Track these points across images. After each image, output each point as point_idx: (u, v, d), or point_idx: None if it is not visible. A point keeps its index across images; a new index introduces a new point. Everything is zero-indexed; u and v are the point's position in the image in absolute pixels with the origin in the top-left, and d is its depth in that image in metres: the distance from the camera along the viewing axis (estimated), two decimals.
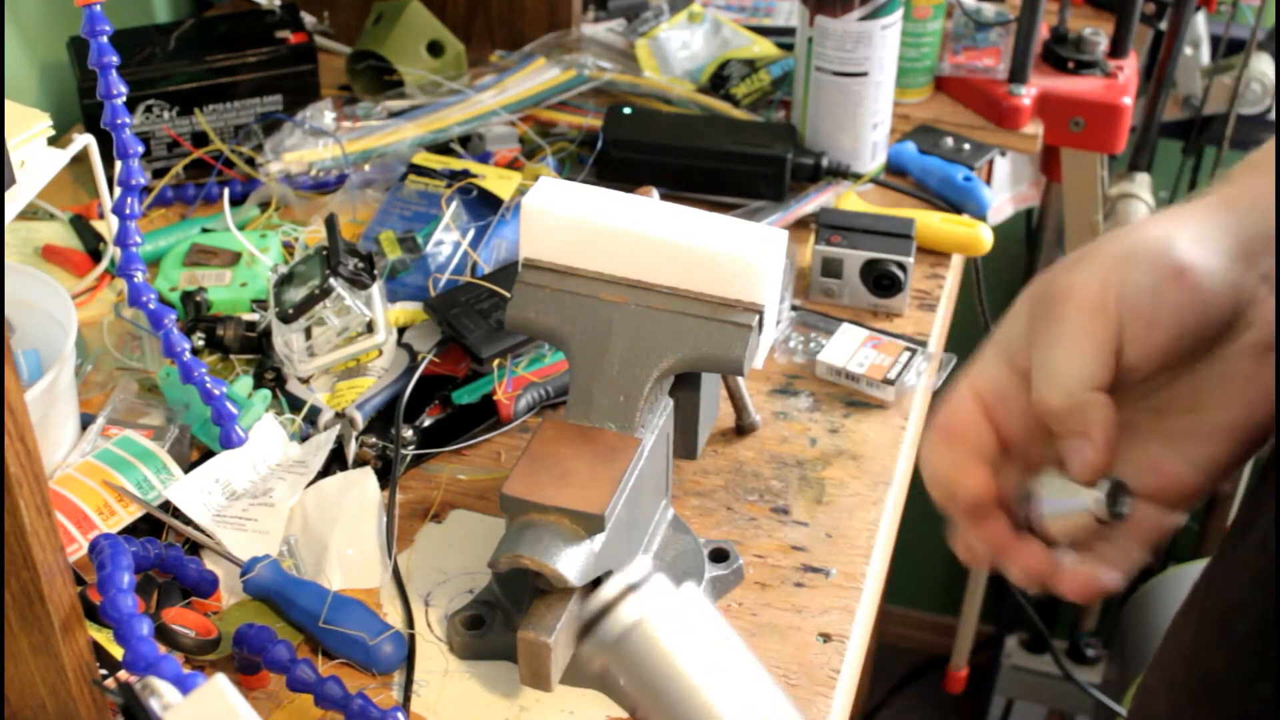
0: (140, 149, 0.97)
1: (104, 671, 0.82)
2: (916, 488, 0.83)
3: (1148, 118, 1.65)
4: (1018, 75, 1.44)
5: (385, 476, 1.03)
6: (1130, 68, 1.49)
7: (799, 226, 1.30)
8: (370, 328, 1.11)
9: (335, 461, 1.04)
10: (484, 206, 1.26)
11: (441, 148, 1.36)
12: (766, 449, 1.08)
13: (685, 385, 0.95)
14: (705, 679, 0.56)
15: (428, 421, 1.08)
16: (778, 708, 0.57)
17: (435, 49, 1.46)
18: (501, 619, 0.91)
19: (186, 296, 1.16)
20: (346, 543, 0.98)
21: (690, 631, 0.56)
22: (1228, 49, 1.79)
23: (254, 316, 1.15)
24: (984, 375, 0.64)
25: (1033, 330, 0.62)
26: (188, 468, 1.02)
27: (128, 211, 0.98)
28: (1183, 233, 0.61)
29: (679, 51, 1.50)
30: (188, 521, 0.98)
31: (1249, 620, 0.61)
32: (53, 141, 1.10)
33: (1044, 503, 0.62)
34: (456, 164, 1.31)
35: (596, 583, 0.84)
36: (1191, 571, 1.86)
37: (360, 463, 1.05)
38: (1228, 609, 0.63)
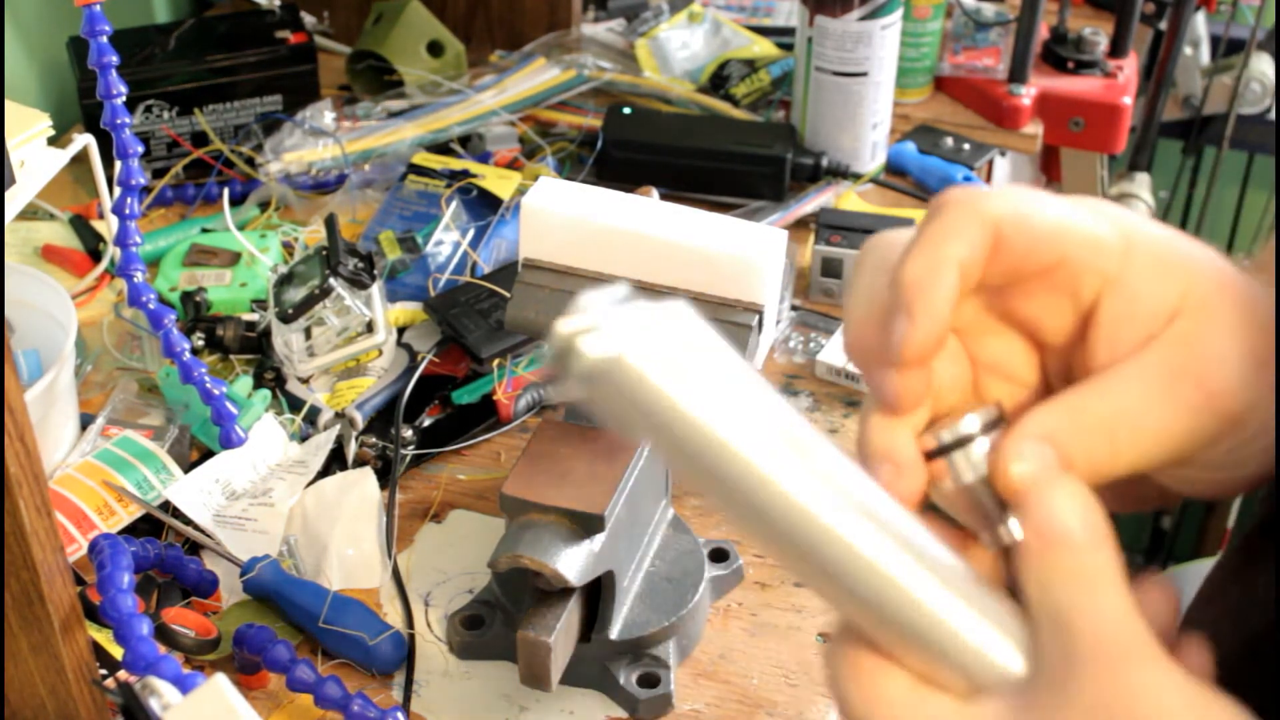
0: (140, 149, 0.97)
1: (104, 671, 0.82)
2: None
3: (1148, 118, 1.65)
4: (1017, 75, 1.44)
5: (385, 476, 1.03)
6: (1130, 68, 1.49)
7: (799, 226, 1.30)
8: (370, 328, 1.11)
9: (335, 461, 1.04)
10: (484, 206, 1.26)
11: (441, 148, 1.36)
12: None
13: None
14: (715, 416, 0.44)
15: (428, 421, 1.08)
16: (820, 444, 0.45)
17: (435, 49, 1.46)
18: (501, 619, 0.91)
19: (186, 296, 1.16)
20: (346, 543, 0.98)
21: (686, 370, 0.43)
22: (1228, 49, 1.79)
23: (254, 316, 1.15)
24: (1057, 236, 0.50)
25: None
26: (188, 468, 1.02)
27: (128, 211, 0.98)
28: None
29: (679, 51, 1.50)
30: (188, 521, 0.98)
31: (1261, 615, 0.61)
32: (53, 141, 1.09)
33: (962, 476, 0.50)
34: (456, 164, 1.31)
35: None
36: (1191, 571, 1.85)
37: (360, 463, 1.05)
38: (1245, 602, 0.63)
